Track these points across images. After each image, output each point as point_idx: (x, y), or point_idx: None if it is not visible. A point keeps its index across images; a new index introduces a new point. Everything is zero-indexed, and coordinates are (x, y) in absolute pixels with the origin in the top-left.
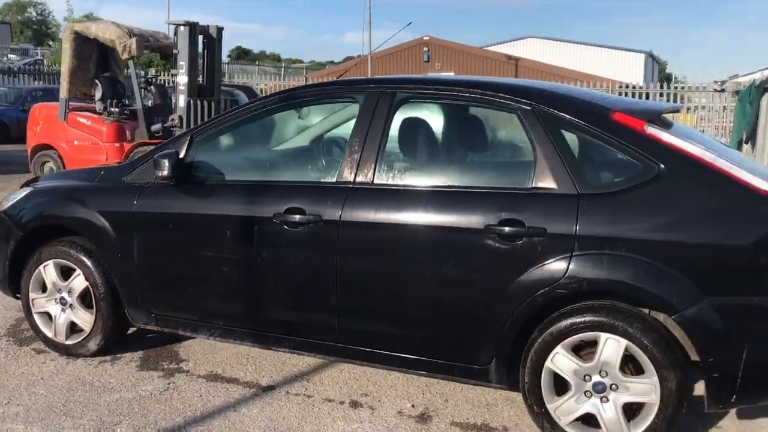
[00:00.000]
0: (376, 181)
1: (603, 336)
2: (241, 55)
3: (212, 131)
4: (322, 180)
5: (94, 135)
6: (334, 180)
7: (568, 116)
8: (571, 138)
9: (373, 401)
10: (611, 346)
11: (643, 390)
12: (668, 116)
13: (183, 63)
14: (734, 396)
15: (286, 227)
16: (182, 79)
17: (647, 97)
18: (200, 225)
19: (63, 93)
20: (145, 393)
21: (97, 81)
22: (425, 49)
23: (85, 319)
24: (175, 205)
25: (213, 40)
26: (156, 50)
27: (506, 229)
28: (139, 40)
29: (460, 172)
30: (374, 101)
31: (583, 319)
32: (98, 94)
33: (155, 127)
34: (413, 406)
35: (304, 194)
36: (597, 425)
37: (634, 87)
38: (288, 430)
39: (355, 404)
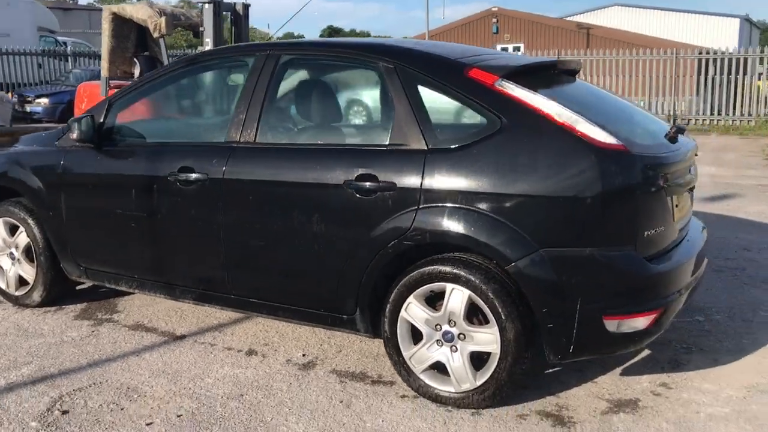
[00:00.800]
0: (258, 140)
1: (449, 287)
2: (332, 34)
3: (127, 97)
4: (213, 140)
5: (136, 112)
6: (223, 140)
7: (424, 74)
8: (427, 95)
9: (269, 350)
10: (456, 297)
11: (486, 340)
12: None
13: (208, 40)
14: (571, 348)
15: (179, 185)
16: None
17: (744, 64)
18: (112, 185)
19: (104, 72)
20: (67, 339)
21: (135, 59)
22: (494, 20)
23: (29, 272)
24: (92, 166)
25: (240, 16)
26: (187, 28)
27: (361, 184)
28: (168, 19)
29: (329, 130)
30: (261, 64)
31: (431, 270)
32: (137, 72)
33: None
34: (304, 355)
35: (196, 154)
36: (448, 373)
37: (723, 53)
38: (175, 372)
39: (251, 352)
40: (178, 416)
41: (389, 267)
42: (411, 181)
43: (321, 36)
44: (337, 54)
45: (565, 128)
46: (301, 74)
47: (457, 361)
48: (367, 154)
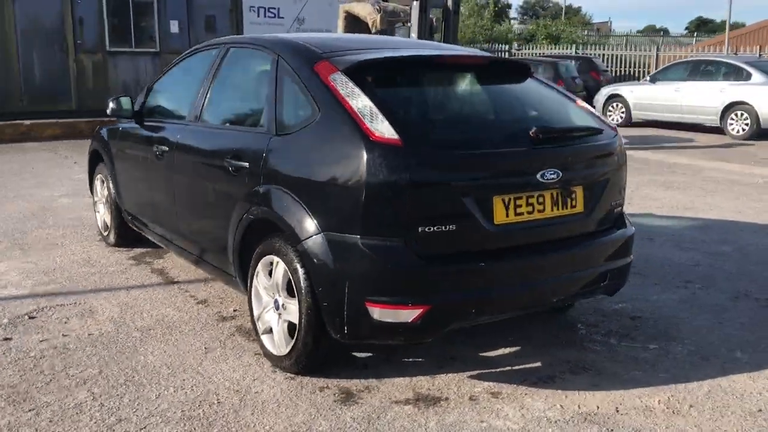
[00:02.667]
0: (201, 119)
1: (276, 259)
2: (700, 26)
3: (155, 83)
4: (181, 120)
5: None
6: (185, 120)
7: (289, 64)
8: (287, 84)
9: (216, 300)
10: (279, 269)
11: (293, 311)
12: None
13: (414, 35)
14: (345, 329)
15: (157, 155)
16: None
17: None
18: (134, 152)
19: None
20: (104, 271)
21: None
22: None
23: (108, 218)
24: (128, 137)
25: (449, 12)
26: (405, 24)
27: (232, 161)
28: (383, 16)
29: (232, 113)
30: (215, 56)
31: (267, 243)
32: None
33: None
34: (235, 310)
35: (171, 131)
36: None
37: None
38: (129, 305)
39: (203, 301)
40: (89, 335)
41: (247, 237)
42: (257, 162)
43: (687, 29)
44: (252, 47)
45: (356, 122)
46: (230, 65)
47: (279, 328)
48: (241, 135)
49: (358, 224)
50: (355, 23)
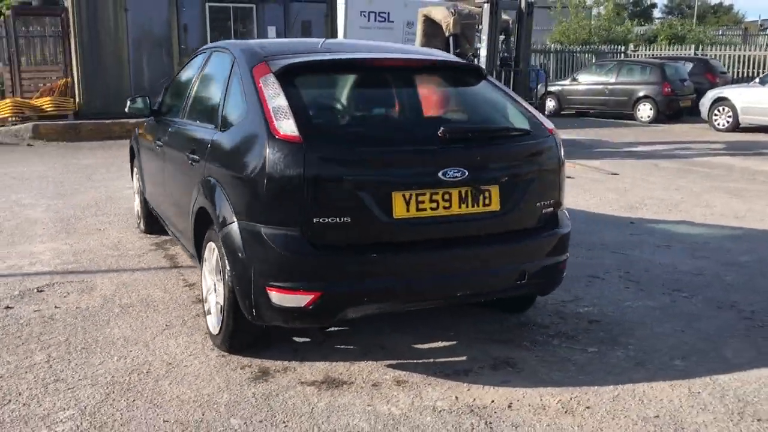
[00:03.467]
0: (186, 116)
1: (212, 244)
2: None
3: (171, 82)
4: (177, 117)
5: None
6: (178, 118)
7: (238, 66)
8: (235, 84)
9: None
10: (214, 254)
11: (221, 293)
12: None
13: (484, 37)
14: (253, 311)
15: (157, 149)
16: (482, 52)
17: None
18: (148, 147)
19: None
20: (124, 254)
21: None
22: None
23: (139, 207)
24: (145, 132)
25: (522, 13)
26: (479, 26)
27: (190, 155)
28: (456, 19)
29: (201, 110)
30: (202, 59)
31: (209, 230)
32: None
33: None
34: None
35: (166, 127)
36: None
37: None
38: (129, 284)
39: (189, 281)
40: (77, 308)
41: (199, 224)
42: (204, 154)
43: None
44: (223, 50)
45: (267, 120)
46: (209, 67)
47: (214, 309)
48: (200, 131)
49: (261, 214)
50: (432, 27)
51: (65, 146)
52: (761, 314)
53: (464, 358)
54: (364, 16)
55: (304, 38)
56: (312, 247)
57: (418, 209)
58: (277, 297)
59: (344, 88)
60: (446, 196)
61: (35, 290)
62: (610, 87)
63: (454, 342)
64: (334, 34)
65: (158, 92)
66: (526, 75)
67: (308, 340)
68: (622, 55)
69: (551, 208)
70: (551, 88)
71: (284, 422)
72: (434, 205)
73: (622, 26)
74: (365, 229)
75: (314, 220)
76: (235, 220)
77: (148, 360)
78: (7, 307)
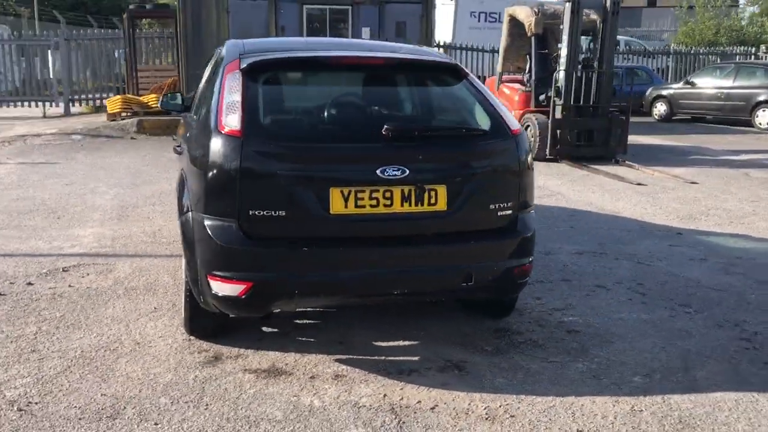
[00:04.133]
0: (192, 113)
1: None
2: None
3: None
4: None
5: (509, 103)
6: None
7: (222, 62)
8: (216, 79)
9: None
10: None
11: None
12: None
13: (564, 37)
14: (201, 297)
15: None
16: (562, 52)
17: None
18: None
19: (498, 67)
20: (161, 241)
21: (528, 56)
22: None
23: None
24: (179, 126)
25: (608, 13)
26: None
27: (177, 147)
28: (539, 18)
29: (196, 105)
30: (215, 56)
31: None
32: (527, 67)
33: (542, 96)
34: None
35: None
36: None
37: None
38: (142, 270)
39: None
40: (87, 288)
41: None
42: (184, 147)
43: None
44: (221, 47)
45: (218, 115)
46: (211, 64)
47: (184, 291)
48: (191, 124)
49: (206, 205)
50: (517, 27)
51: (164, 140)
52: (762, 337)
53: (417, 358)
54: (474, 16)
55: (296, 38)
56: (247, 238)
57: (357, 206)
58: (216, 285)
59: (304, 86)
60: (387, 194)
61: (61, 270)
62: (726, 91)
63: (416, 342)
64: (429, 35)
65: None
66: (610, 77)
67: (276, 330)
68: (753, 57)
69: (509, 211)
70: (662, 92)
71: (207, 405)
72: (374, 202)
73: (755, 26)
74: (301, 224)
75: (250, 212)
76: (191, 210)
77: (120, 339)
78: (29, 283)
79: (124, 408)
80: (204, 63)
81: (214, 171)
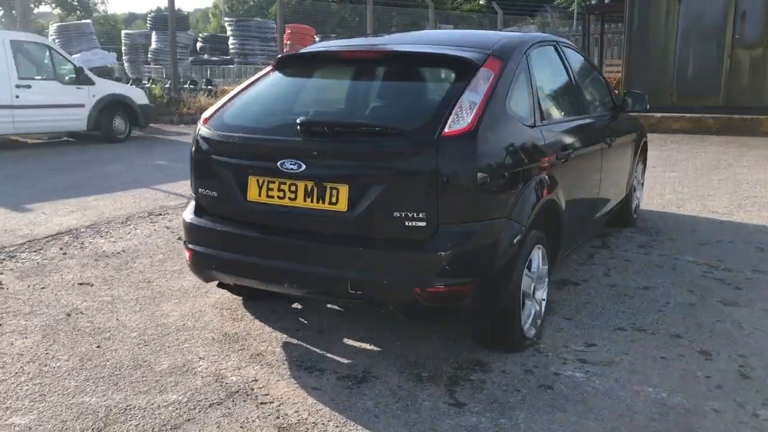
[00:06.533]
0: None
1: None
2: None
3: None
4: None
5: None
6: None
7: None
8: None
9: None
10: None
11: None
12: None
13: None
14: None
15: None
16: None
17: None
18: None
19: None
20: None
21: None
22: None
23: None
24: None
25: None
26: None
27: None
28: None
29: None
30: None
31: None
32: None
33: None
34: None
35: None
36: None
37: None
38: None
39: None
40: (95, 252)
41: None
42: None
43: None
44: None
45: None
46: None
47: None
48: None
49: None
50: None
51: None
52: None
53: (352, 361)
54: None
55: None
56: (196, 212)
57: (267, 195)
58: (186, 253)
59: (294, 81)
60: (292, 188)
61: (76, 239)
62: None
63: (380, 350)
64: None
65: (704, 87)
66: None
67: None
68: None
69: (421, 223)
70: None
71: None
72: (281, 194)
73: None
74: (227, 205)
75: (199, 190)
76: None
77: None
78: (63, 251)
79: None
80: (660, 55)
81: (191, 153)
